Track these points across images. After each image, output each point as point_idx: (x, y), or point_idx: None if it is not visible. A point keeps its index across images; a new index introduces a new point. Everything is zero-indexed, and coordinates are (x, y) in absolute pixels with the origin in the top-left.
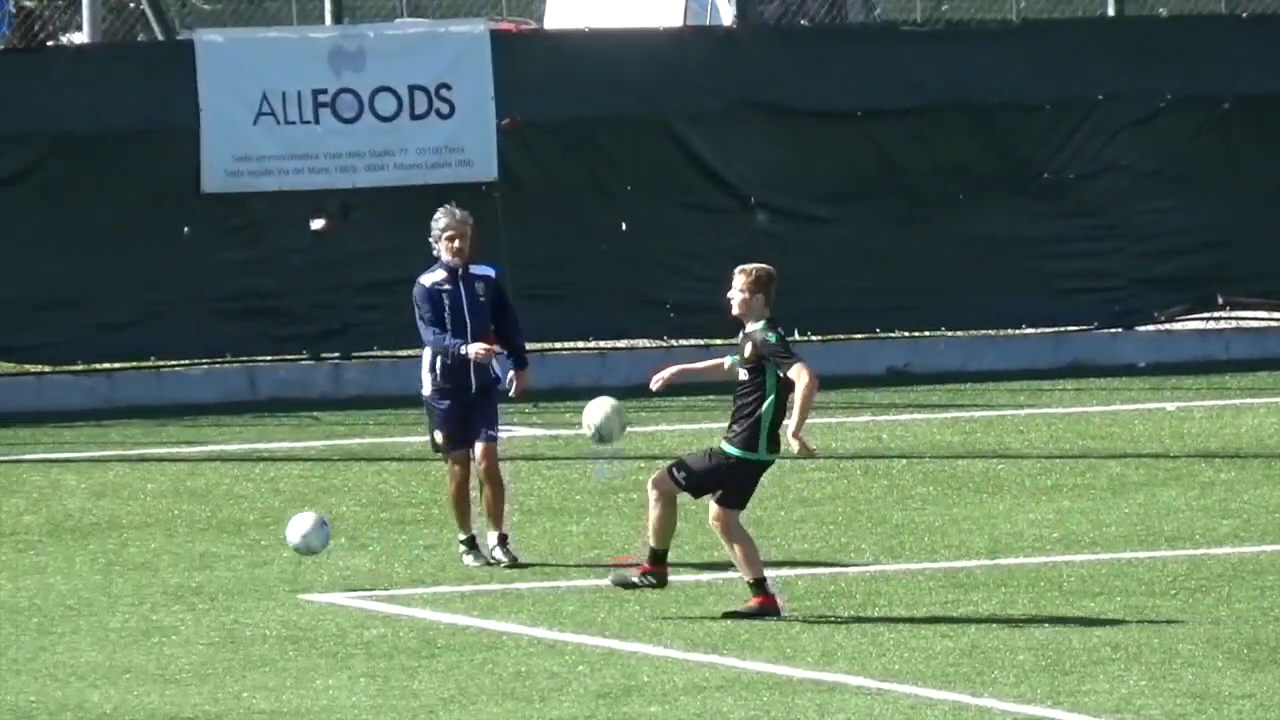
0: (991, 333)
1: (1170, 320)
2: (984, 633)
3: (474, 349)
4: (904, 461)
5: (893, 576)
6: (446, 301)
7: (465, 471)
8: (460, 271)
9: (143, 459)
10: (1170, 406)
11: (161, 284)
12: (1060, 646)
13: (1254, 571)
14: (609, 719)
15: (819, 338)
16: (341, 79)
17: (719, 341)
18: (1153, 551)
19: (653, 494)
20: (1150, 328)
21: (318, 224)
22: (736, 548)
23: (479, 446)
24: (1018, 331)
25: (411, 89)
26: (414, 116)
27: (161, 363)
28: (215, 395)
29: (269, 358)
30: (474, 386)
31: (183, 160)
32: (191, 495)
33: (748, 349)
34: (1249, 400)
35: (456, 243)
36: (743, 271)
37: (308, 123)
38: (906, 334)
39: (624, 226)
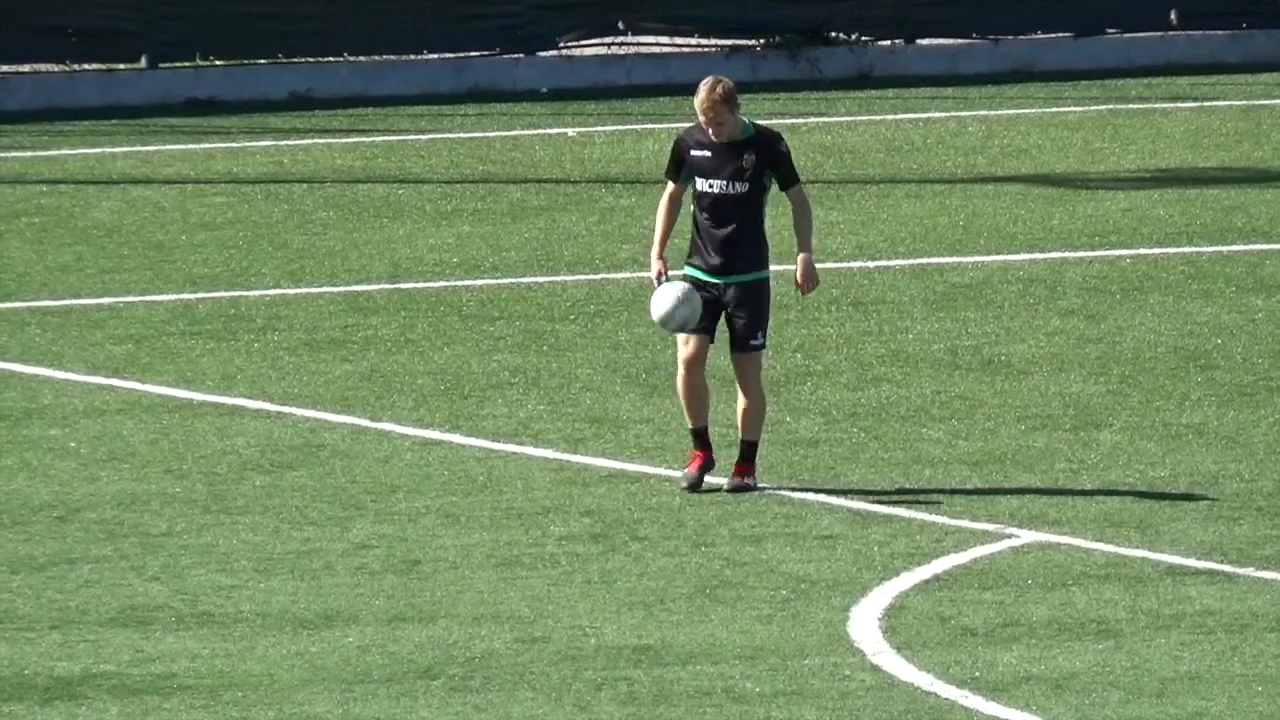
0: (393, 58)
1: (571, 46)
2: (384, 357)
3: None
4: (305, 186)
5: (293, 301)
6: None
7: None
8: None
9: None
10: (571, 132)
11: None
12: (460, 371)
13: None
14: (10, 443)
15: (221, 62)
16: None
17: (122, 67)
18: (553, 276)
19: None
20: (551, 53)
21: None
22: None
23: None
24: (419, 57)
25: None
26: None
27: None
28: None
29: None
30: None
31: None
32: None
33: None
34: (649, 126)
35: None
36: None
37: None
38: (308, 59)
39: None
